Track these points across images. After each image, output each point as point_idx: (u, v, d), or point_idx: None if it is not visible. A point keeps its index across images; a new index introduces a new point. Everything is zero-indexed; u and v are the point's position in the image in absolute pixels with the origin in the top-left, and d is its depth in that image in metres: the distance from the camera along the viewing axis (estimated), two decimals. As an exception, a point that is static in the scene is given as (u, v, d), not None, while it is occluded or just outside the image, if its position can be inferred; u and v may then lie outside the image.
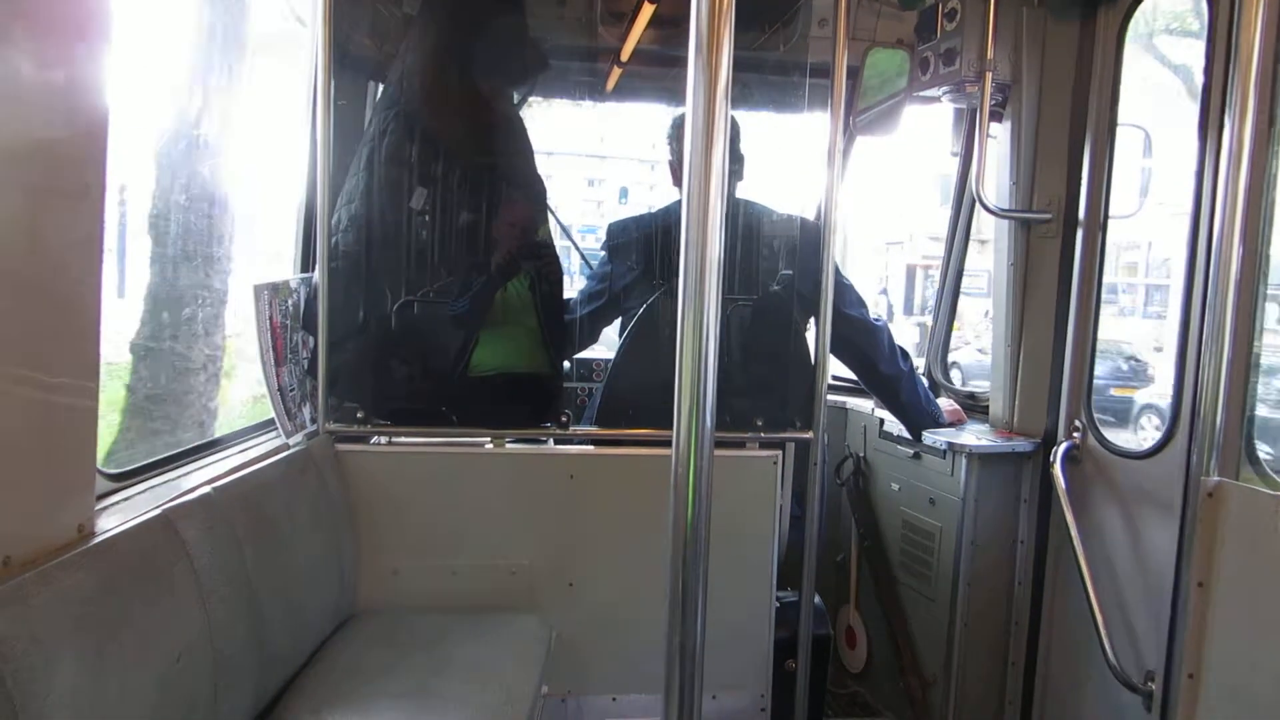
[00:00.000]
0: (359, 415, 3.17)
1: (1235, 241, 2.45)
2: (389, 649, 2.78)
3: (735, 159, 3.56)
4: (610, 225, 3.80)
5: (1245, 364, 2.60)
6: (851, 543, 4.24)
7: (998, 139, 3.50)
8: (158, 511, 2.09)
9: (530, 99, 3.80)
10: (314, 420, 3.15)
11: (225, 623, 2.17)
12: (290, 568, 2.62)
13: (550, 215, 3.61)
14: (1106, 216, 3.25)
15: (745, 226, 3.44)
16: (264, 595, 2.39)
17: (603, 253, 3.76)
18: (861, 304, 3.66)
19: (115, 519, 2.02)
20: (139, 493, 2.30)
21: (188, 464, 2.64)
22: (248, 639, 2.29)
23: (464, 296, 3.28)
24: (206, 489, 2.32)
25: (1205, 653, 2.56)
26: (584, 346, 3.86)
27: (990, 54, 3.26)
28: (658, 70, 4.20)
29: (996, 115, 3.45)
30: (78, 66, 1.80)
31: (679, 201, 3.49)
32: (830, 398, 3.78)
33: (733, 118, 3.52)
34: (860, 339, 3.66)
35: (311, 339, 3.16)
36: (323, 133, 3.05)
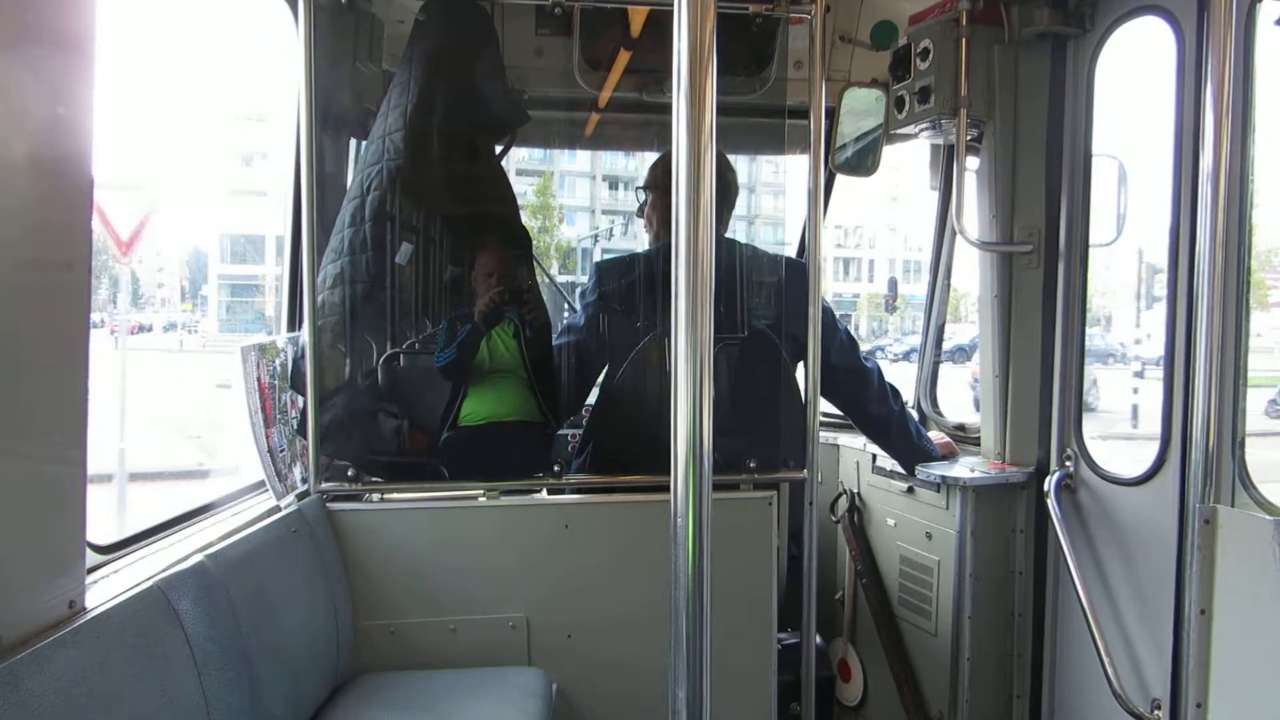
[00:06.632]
0: (350, 474, 3.14)
1: (1218, 268, 2.47)
2: (390, 711, 2.74)
3: (727, 200, 3.58)
4: (597, 265, 3.80)
5: (1234, 389, 2.61)
6: (846, 578, 4.21)
7: (976, 173, 3.54)
8: (150, 583, 2.06)
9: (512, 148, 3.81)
10: (305, 480, 3.12)
11: (221, 693, 2.13)
12: (286, 632, 2.58)
13: (535, 263, 3.61)
14: (1086, 246, 3.28)
15: (731, 267, 3.45)
16: (260, 662, 2.35)
17: (592, 297, 3.72)
18: (851, 346, 3.64)
19: (107, 593, 1.98)
20: (130, 564, 2.26)
21: (179, 530, 2.61)
22: (245, 708, 2.24)
23: (451, 345, 3.27)
24: (199, 557, 2.29)
25: (1212, 681, 2.54)
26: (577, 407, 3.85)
27: (964, 91, 3.30)
28: (636, 116, 4.24)
29: (974, 149, 3.49)
30: (63, 141, 1.80)
31: (663, 244, 3.50)
32: (822, 435, 3.78)
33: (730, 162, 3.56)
34: (849, 384, 3.65)
35: (300, 398, 3.13)
36: (307, 191, 3.05)
